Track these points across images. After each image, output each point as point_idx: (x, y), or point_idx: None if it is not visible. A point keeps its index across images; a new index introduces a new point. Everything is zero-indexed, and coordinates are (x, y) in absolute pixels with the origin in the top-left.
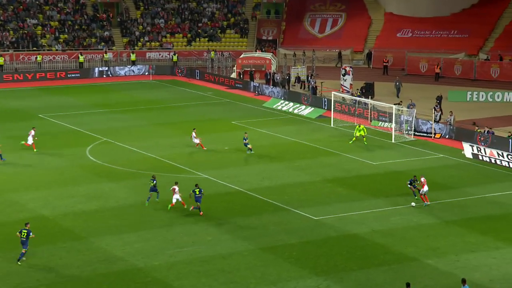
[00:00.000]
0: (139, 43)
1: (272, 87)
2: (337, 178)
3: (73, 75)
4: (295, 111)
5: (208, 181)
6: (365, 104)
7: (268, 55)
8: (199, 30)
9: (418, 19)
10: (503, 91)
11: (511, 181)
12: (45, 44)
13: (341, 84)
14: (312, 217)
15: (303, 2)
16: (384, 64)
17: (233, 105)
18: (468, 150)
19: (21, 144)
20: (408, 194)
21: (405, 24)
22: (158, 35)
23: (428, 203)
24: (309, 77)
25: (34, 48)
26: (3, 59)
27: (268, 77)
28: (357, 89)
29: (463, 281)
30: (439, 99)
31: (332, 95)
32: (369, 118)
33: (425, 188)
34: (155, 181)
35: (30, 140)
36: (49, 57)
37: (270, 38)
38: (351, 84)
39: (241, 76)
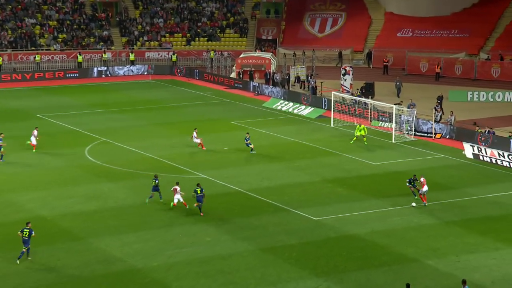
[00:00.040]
0: (138, 43)
1: (271, 87)
2: (337, 178)
3: (71, 75)
4: (295, 111)
5: (208, 182)
6: (365, 104)
7: (268, 55)
8: (198, 30)
9: (418, 18)
10: (503, 91)
11: None
12: (44, 44)
13: (341, 84)
14: (312, 217)
15: (303, 1)
16: (384, 64)
17: (233, 105)
18: (468, 150)
19: (27, 144)
20: (409, 194)
21: (405, 23)
22: (157, 34)
23: (426, 204)
24: (309, 77)
25: (33, 48)
26: (1, 59)
27: (268, 77)
28: (357, 89)
29: (463, 282)
30: (440, 99)
31: (332, 95)
32: (369, 118)
33: (425, 188)
34: (157, 181)
35: (34, 140)
36: (47, 57)
37: (270, 37)
38: (351, 84)
39: (241, 76)
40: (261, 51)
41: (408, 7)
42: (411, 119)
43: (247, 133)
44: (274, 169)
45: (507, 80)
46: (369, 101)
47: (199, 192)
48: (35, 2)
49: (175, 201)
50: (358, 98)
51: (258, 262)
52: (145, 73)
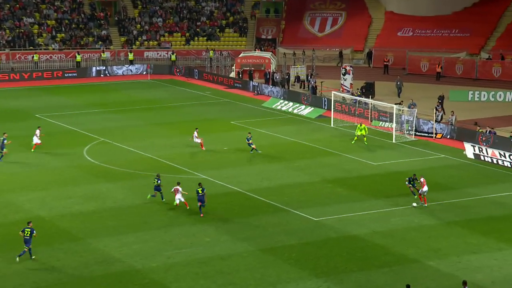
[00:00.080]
0: (137, 42)
1: (271, 86)
2: (337, 178)
3: (70, 75)
4: (295, 111)
5: (207, 182)
6: (366, 103)
7: (268, 54)
8: (197, 29)
9: (419, 17)
10: (505, 91)
11: None
12: (42, 43)
13: (341, 84)
14: (312, 218)
15: (303, 0)
16: (385, 63)
17: (232, 105)
18: (469, 150)
19: (33, 151)
20: (409, 194)
21: (406, 23)
22: (156, 34)
23: (424, 203)
24: (309, 77)
25: (31, 47)
26: None
27: (268, 76)
28: (358, 89)
29: (464, 283)
30: (441, 98)
31: (332, 94)
32: (369, 118)
33: (425, 188)
34: (159, 181)
35: (38, 140)
36: (45, 56)
37: (270, 37)
38: (351, 84)
39: (240, 75)
40: (261, 50)
41: (408, 6)
42: (411, 119)
43: (249, 133)
44: (273, 169)
45: (508, 80)
46: (369, 101)
47: (200, 192)
48: (33, 1)
49: (177, 201)
50: (358, 98)
51: (258, 263)
52: (144, 73)
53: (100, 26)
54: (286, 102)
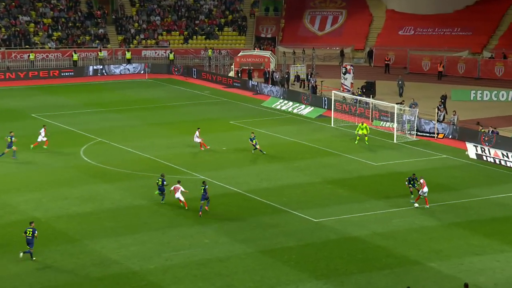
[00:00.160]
0: (135, 41)
1: (271, 86)
2: (337, 179)
3: (66, 74)
4: (295, 111)
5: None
6: (366, 103)
7: (267, 53)
8: (196, 28)
9: (420, 16)
10: (507, 90)
11: None
12: (38, 42)
13: (342, 83)
14: (312, 219)
15: None
16: (386, 62)
17: (231, 105)
18: (472, 150)
19: (45, 148)
20: (415, 195)
21: (407, 21)
22: (154, 32)
23: (423, 205)
24: (309, 76)
25: (27, 46)
26: None
27: (267, 75)
28: (358, 88)
29: (466, 286)
30: (444, 98)
31: (333, 94)
32: (370, 118)
33: (425, 189)
34: (164, 181)
35: (39, 138)
36: (42, 55)
37: (269, 35)
38: (351, 83)
39: (239, 74)
40: (260, 49)
41: (409, 5)
42: (413, 118)
43: (252, 133)
44: (273, 170)
45: (511, 79)
46: (370, 100)
47: (201, 191)
48: None
49: (181, 198)
50: (359, 98)
51: (257, 265)
52: (142, 72)
53: (97, 25)
54: (285, 101)
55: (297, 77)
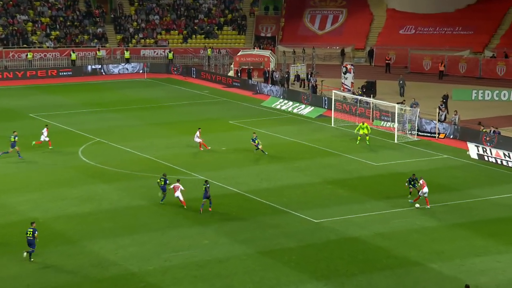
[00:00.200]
0: (133, 40)
1: (270, 85)
2: (337, 179)
3: (65, 73)
4: (295, 111)
5: None
6: (367, 103)
7: (267, 53)
8: (195, 27)
9: (421, 15)
10: (509, 90)
11: None
12: (36, 41)
13: (342, 83)
14: (312, 219)
15: None
16: (387, 62)
17: (231, 104)
18: (473, 150)
19: (51, 149)
20: (413, 195)
21: (408, 20)
22: (153, 32)
23: (426, 206)
24: (309, 75)
25: (25, 45)
26: None
27: (267, 75)
28: (359, 88)
29: (467, 287)
30: (445, 98)
31: (333, 94)
32: (371, 118)
33: (425, 189)
34: (167, 181)
35: (45, 138)
36: (40, 55)
37: (269, 35)
38: (352, 83)
39: (239, 74)
40: (260, 48)
41: (410, 4)
42: (414, 118)
43: (254, 133)
44: (273, 170)
45: None
46: (370, 100)
47: (203, 189)
48: None
49: (181, 198)
50: (359, 97)
51: (257, 266)
52: (141, 71)
53: (96, 24)
54: (285, 101)
55: (297, 77)
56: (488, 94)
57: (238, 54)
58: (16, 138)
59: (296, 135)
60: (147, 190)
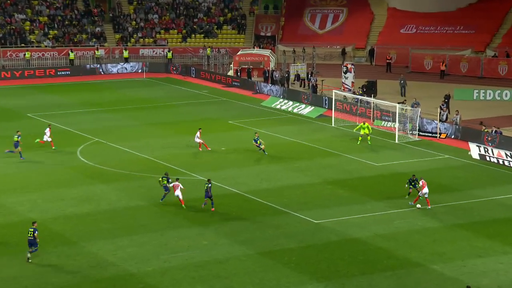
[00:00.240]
0: (132, 40)
1: (270, 85)
2: (338, 179)
3: (63, 73)
4: (295, 110)
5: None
6: (368, 103)
7: (267, 52)
8: (194, 26)
9: (422, 14)
10: (511, 89)
11: None
12: (34, 40)
13: (343, 82)
14: (312, 220)
15: None
16: (387, 61)
17: (230, 104)
18: (474, 150)
19: (54, 149)
20: (413, 196)
21: (409, 19)
22: (152, 31)
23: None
24: (309, 75)
25: (22, 45)
26: None
27: (267, 74)
28: (359, 87)
29: None
30: (447, 98)
31: (333, 93)
32: (371, 118)
33: (425, 189)
34: (169, 180)
35: (48, 138)
36: (38, 54)
37: (269, 34)
38: (352, 82)
39: (239, 73)
40: (260, 48)
41: (411, 3)
42: (415, 118)
43: (256, 133)
44: (273, 170)
45: None
46: (371, 99)
47: (205, 187)
48: None
49: (176, 195)
50: (360, 97)
51: (257, 267)
52: (139, 71)
53: (94, 23)
54: (285, 101)
55: (297, 76)
56: (489, 93)
57: (238, 53)
58: (20, 138)
59: (296, 135)
60: (146, 191)
